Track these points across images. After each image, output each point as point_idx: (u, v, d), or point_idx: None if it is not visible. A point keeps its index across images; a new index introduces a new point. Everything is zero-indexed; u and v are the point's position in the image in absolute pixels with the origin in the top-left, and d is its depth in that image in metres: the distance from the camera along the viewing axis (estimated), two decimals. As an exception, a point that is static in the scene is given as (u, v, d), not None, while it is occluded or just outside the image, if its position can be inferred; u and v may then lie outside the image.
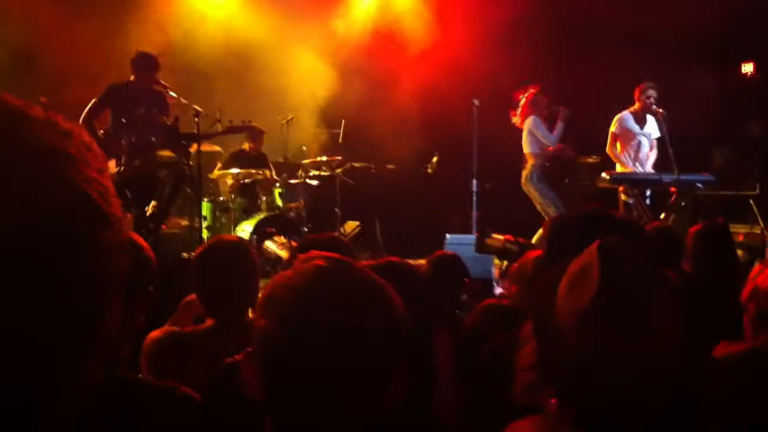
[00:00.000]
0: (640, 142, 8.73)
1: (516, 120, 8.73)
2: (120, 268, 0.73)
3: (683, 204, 8.40)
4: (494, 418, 1.72)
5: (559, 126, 8.56)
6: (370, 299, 1.26)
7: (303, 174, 9.13)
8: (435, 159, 10.63)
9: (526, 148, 8.61)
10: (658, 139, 8.70)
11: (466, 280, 3.84)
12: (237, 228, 8.35)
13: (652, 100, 8.53)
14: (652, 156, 8.81)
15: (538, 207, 8.61)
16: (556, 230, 2.26)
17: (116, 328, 0.75)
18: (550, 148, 8.60)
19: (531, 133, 8.56)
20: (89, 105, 7.34)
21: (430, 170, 10.76)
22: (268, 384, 1.24)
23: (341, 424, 1.22)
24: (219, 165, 9.07)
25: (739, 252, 6.49)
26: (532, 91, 8.64)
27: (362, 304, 1.25)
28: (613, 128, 8.72)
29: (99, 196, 0.71)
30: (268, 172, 8.89)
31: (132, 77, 7.61)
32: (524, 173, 8.62)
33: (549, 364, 1.52)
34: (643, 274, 1.46)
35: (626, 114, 8.70)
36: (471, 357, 2.27)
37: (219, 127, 8.09)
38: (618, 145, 8.74)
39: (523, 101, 8.65)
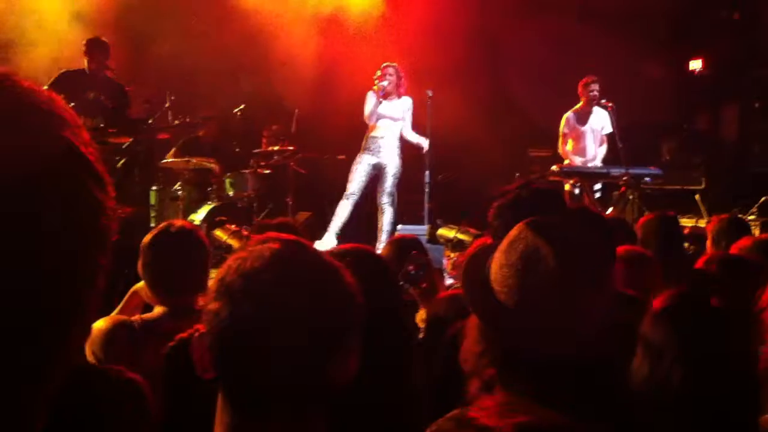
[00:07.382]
0: (587, 139, 8.86)
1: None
2: (110, 230, 0.72)
3: (630, 197, 8.53)
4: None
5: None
6: (320, 280, 1.28)
7: (254, 163, 9.03)
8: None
9: None
10: (608, 135, 8.82)
11: (414, 252, 3.79)
12: (187, 216, 8.23)
13: (595, 93, 8.66)
14: (601, 152, 8.93)
15: None
16: (498, 213, 2.31)
17: (101, 292, 0.73)
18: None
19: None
20: None
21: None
22: (219, 364, 1.26)
23: (290, 399, 1.26)
24: (172, 151, 8.86)
25: (685, 245, 6.62)
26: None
27: (311, 285, 1.26)
28: (561, 128, 8.88)
29: (94, 158, 0.71)
30: (213, 163, 8.66)
31: (86, 64, 7.66)
32: None
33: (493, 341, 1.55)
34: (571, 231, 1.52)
35: (570, 114, 8.88)
36: (436, 343, 2.27)
37: (169, 115, 7.96)
38: (570, 142, 8.87)
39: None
